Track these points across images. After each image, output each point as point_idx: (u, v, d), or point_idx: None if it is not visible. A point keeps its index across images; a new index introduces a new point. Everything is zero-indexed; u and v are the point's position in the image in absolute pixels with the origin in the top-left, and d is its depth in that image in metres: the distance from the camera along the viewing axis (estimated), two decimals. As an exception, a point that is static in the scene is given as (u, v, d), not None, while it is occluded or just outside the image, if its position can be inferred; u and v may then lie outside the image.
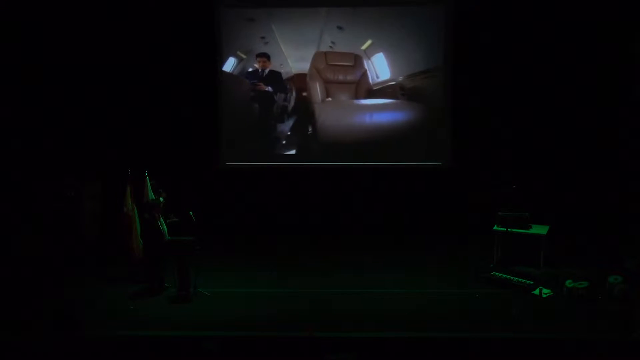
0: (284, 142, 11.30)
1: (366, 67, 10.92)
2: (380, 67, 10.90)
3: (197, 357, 6.93)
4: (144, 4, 10.66)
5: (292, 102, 11.20)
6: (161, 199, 9.36)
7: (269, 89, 11.16)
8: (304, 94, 11.13)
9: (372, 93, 11.02)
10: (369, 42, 10.80)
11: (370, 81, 10.98)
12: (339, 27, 10.81)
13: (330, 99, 11.11)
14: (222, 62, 11.06)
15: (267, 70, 11.09)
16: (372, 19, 10.77)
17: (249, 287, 9.07)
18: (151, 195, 9.20)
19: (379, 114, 11.06)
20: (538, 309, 8.13)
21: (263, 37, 10.94)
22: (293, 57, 11.01)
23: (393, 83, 10.91)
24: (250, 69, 11.11)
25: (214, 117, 11.19)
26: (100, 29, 10.70)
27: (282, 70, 11.06)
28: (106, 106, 10.98)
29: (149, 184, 9.24)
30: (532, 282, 8.70)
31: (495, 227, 9.43)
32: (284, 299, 8.64)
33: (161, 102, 10.99)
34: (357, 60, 10.94)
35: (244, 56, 11.06)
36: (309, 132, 11.22)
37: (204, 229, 8.73)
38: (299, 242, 10.71)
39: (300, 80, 11.11)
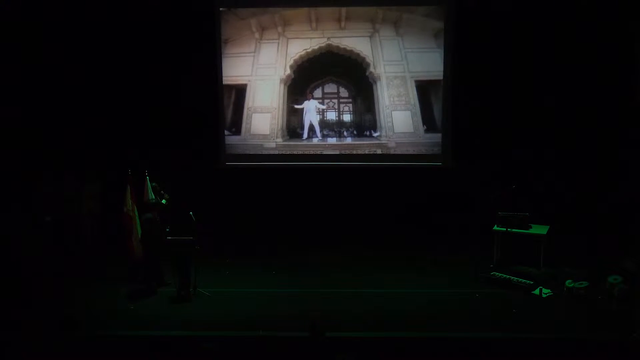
0: (284, 142, 11.31)
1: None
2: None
3: (197, 357, 6.93)
4: (144, 3, 10.66)
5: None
6: (164, 200, 9.37)
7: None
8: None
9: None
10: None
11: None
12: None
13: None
14: (223, 62, 11.08)
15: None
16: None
17: (249, 287, 9.07)
18: (151, 196, 9.20)
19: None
20: (538, 309, 8.14)
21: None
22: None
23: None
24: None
25: (214, 117, 11.20)
26: (101, 28, 10.70)
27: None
28: (106, 106, 10.97)
29: (149, 184, 9.24)
30: (532, 282, 8.71)
31: (495, 227, 9.43)
32: (284, 299, 8.64)
33: (162, 103, 10.97)
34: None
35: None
36: (310, 131, 11.27)
37: (204, 229, 8.73)
38: (299, 242, 10.71)
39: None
